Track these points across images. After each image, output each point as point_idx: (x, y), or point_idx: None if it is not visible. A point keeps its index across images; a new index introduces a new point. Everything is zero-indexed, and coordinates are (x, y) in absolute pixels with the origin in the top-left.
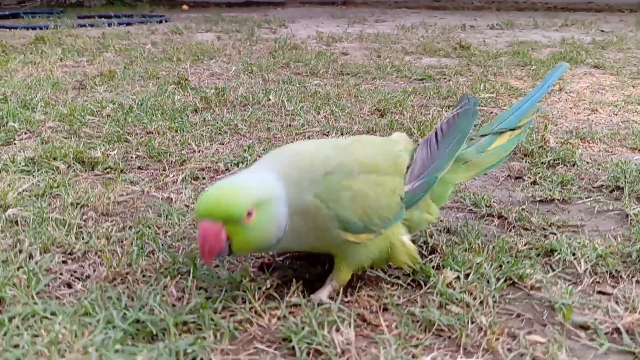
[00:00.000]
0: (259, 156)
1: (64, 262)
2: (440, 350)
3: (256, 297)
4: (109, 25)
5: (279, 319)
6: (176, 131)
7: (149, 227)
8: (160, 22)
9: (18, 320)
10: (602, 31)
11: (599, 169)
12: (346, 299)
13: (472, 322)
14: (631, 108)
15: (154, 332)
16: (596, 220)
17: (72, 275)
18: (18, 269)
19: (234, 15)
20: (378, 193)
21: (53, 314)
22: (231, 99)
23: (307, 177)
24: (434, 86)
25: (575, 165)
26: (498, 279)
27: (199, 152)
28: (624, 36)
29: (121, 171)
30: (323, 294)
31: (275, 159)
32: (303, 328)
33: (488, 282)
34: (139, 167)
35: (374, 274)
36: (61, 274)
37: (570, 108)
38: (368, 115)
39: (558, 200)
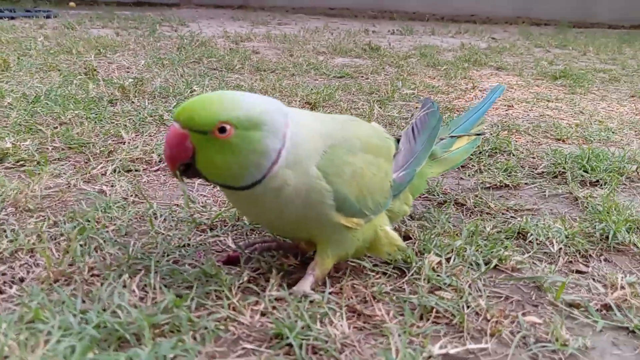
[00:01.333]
0: None
1: None
2: (445, 337)
3: (233, 292)
4: None
5: (262, 314)
6: (95, 122)
7: (88, 222)
8: (48, 17)
9: None
10: (494, 39)
11: (534, 158)
12: (330, 290)
13: (468, 307)
14: (542, 104)
15: (126, 337)
16: (549, 204)
17: (0, 278)
18: None
19: (129, 14)
20: (374, 175)
21: None
22: (150, 90)
23: (310, 147)
24: (355, 83)
25: (512, 155)
26: (483, 263)
27: (126, 143)
28: (514, 43)
29: (38, 163)
30: (305, 285)
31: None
32: (296, 322)
33: (472, 265)
34: (58, 159)
35: (353, 262)
36: None
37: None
38: (300, 107)
39: (508, 186)
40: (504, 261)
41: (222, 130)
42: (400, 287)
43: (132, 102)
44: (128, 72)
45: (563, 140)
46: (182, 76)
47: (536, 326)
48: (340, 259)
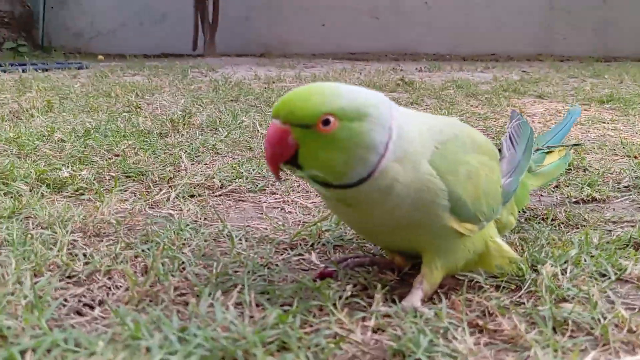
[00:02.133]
0: (257, 173)
1: (63, 288)
2: (594, 350)
3: (338, 307)
4: (23, 71)
5: (374, 331)
6: (149, 152)
7: (164, 242)
8: (80, 68)
9: (34, 356)
10: (524, 72)
11: (612, 173)
12: (439, 305)
13: (605, 318)
14: (599, 125)
15: (234, 355)
16: None
17: (79, 301)
18: (12, 294)
19: (157, 63)
20: (488, 177)
21: (78, 344)
22: (198, 122)
23: (420, 141)
24: None
25: (586, 171)
26: (612, 271)
27: (184, 170)
28: (546, 75)
29: (96, 192)
30: (415, 299)
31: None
32: (419, 338)
33: (593, 275)
34: (118, 189)
35: (458, 276)
36: (65, 299)
37: (543, 127)
38: None
39: (597, 199)
40: (627, 271)
41: (326, 122)
42: (519, 301)
43: (182, 134)
44: (170, 109)
45: (636, 157)
46: (222, 113)
47: None
48: (450, 271)
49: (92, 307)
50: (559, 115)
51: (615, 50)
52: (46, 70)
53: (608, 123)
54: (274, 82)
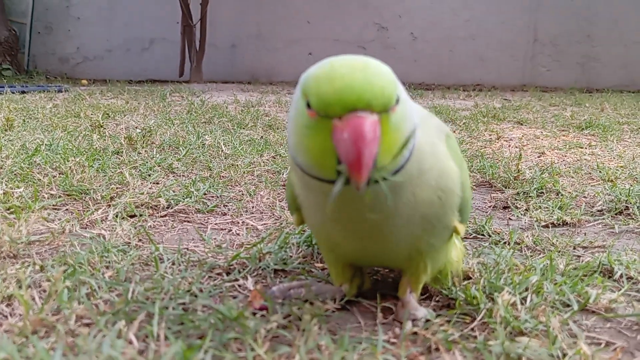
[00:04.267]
0: (206, 193)
1: None
2: None
3: (258, 341)
4: (0, 93)
5: None
6: (97, 170)
7: (80, 265)
8: (59, 91)
9: None
10: (506, 99)
11: (585, 197)
12: (383, 338)
13: (564, 355)
14: (576, 150)
15: None
16: (622, 240)
17: None
18: None
19: (139, 88)
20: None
21: None
22: (158, 142)
23: (434, 127)
24: None
25: (560, 194)
26: (575, 301)
27: (132, 189)
28: (528, 103)
29: (30, 210)
30: (412, 309)
31: None
32: None
33: (555, 305)
34: (53, 206)
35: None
36: None
37: (518, 151)
38: None
39: (568, 223)
40: (594, 301)
41: (397, 100)
42: (471, 335)
43: (140, 152)
44: (136, 128)
45: (611, 181)
46: (192, 130)
47: None
48: (433, 276)
49: None
50: (537, 140)
51: (597, 82)
52: (24, 92)
53: (586, 148)
54: (253, 106)
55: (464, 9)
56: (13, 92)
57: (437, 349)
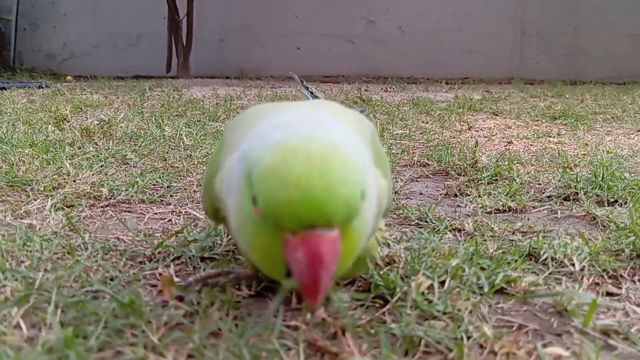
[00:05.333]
0: (154, 183)
1: None
2: None
3: (154, 327)
4: None
5: (189, 356)
6: (47, 162)
7: None
8: (40, 87)
9: None
10: (488, 91)
11: (539, 184)
12: (289, 323)
13: (469, 338)
14: (544, 139)
15: None
16: (563, 225)
17: None
18: None
19: (122, 84)
20: None
21: None
22: (119, 134)
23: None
24: None
25: (514, 181)
26: (487, 284)
27: (77, 180)
28: (509, 94)
29: None
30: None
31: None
32: None
33: (472, 288)
34: None
35: None
36: None
37: (487, 140)
38: None
39: (513, 209)
40: (512, 283)
41: (362, 197)
42: (380, 319)
43: (96, 144)
44: (95, 120)
45: (570, 168)
46: (159, 126)
47: (562, 359)
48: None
49: None
50: (507, 130)
51: (585, 74)
52: (3, 89)
53: (554, 137)
54: (232, 100)
55: (452, 1)
56: None
57: (342, 334)
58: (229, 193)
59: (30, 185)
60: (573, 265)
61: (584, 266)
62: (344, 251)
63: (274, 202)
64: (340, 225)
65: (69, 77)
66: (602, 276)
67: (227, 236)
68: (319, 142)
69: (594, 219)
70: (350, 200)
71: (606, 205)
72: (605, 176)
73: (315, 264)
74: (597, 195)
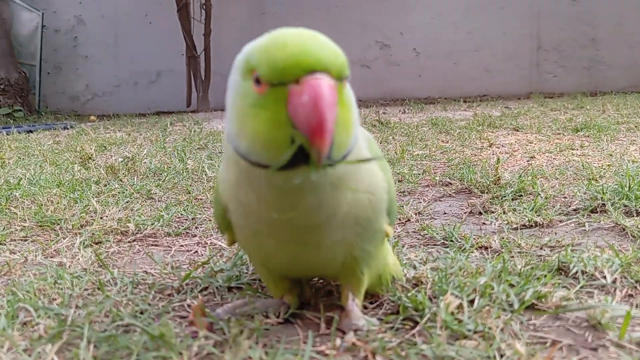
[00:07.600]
0: (179, 215)
1: None
2: None
3: (185, 359)
4: (7, 134)
5: None
6: (75, 201)
7: (27, 293)
8: (65, 128)
9: None
10: (507, 107)
11: (565, 197)
12: (319, 348)
13: (502, 356)
14: (566, 153)
15: None
16: (592, 237)
17: None
18: None
19: (144, 121)
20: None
21: None
22: (142, 169)
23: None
24: None
25: (539, 196)
26: (516, 301)
27: (104, 217)
28: (529, 109)
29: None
30: (354, 319)
31: None
32: None
33: (502, 306)
34: (23, 238)
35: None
36: None
37: (509, 157)
38: None
39: (539, 224)
40: (543, 299)
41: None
42: (411, 340)
43: (121, 181)
44: (119, 157)
45: (596, 180)
46: (182, 160)
47: None
48: (371, 281)
49: None
50: (529, 145)
51: (605, 85)
52: (30, 132)
53: (577, 149)
54: None
55: (465, 21)
56: (19, 132)
57: (373, 357)
58: (229, 108)
59: (59, 224)
60: (604, 277)
61: (615, 278)
62: (339, 116)
63: (276, 60)
64: (335, 77)
65: (92, 117)
66: (635, 287)
67: (252, 266)
68: (307, 30)
69: (623, 229)
70: (340, 56)
71: (635, 215)
72: (632, 186)
73: (320, 102)
74: (625, 206)
